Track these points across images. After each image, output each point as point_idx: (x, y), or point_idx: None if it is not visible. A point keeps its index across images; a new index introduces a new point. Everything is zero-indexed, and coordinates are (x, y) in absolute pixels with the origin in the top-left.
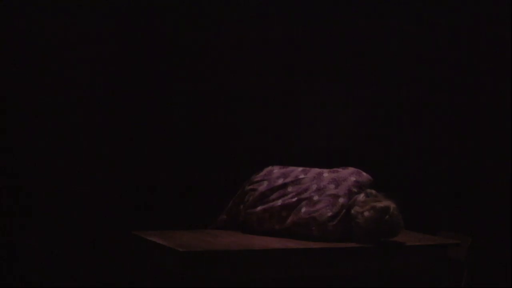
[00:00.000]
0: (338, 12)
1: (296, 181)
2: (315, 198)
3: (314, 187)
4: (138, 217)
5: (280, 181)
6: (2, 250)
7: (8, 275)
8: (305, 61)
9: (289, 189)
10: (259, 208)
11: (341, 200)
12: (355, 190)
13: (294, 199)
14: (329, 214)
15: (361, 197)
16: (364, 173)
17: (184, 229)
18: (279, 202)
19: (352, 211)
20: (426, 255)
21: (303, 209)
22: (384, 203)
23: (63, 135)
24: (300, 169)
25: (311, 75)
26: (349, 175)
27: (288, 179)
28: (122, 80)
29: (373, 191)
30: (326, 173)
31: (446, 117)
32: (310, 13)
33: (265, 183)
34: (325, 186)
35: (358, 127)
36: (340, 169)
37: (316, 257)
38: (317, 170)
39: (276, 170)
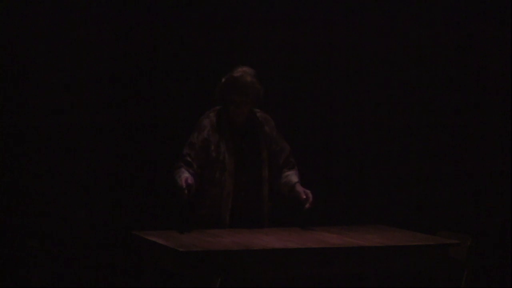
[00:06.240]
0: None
1: None
2: None
3: None
4: (138, 217)
5: None
6: (3, 250)
7: (9, 275)
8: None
9: None
10: None
11: None
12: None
13: None
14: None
15: None
16: None
17: (184, 229)
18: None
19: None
20: (426, 255)
21: None
22: None
23: (63, 135)
24: None
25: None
26: None
27: None
28: (121, 80)
29: None
30: None
31: (446, 117)
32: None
33: None
34: None
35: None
36: None
37: (316, 257)
38: None
39: None
